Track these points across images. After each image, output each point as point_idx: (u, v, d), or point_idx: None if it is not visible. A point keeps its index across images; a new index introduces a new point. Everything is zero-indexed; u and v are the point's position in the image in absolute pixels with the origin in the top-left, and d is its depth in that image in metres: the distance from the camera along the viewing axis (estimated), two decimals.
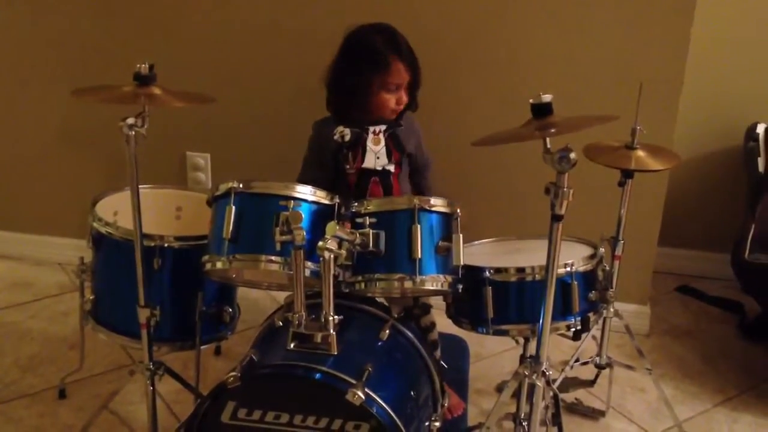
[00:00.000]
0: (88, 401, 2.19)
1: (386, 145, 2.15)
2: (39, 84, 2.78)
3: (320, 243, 1.58)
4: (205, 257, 1.76)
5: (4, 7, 2.70)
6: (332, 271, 1.58)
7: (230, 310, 2.05)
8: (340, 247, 1.61)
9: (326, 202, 1.73)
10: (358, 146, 2.14)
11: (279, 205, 1.68)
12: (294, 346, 1.62)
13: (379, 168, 2.15)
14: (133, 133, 1.72)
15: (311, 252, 1.64)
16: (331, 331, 1.60)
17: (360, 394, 1.48)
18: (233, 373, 1.54)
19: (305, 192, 1.71)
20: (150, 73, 1.75)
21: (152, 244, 1.88)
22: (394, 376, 1.71)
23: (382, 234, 1.69)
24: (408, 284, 1.70)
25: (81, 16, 2.66)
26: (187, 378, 2.03)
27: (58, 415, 2.16)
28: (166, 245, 1.91)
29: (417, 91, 2.17)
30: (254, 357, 1.63)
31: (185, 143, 2.75)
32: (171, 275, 1.93)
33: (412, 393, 1.71)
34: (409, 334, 1.81)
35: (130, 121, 1.72)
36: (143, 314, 1.83)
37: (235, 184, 1.73)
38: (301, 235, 1.61)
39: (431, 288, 1.72)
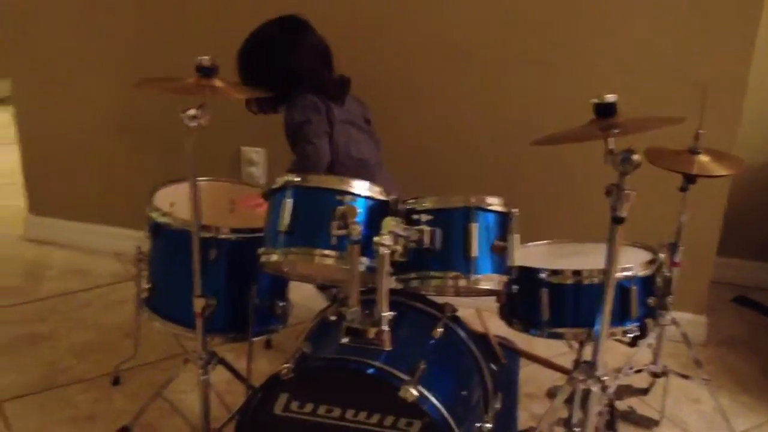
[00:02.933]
0: (141, 388, 2.22)
1: None
2: (99, 75, 2.83)
3: (376, 238, 1.57)
4: (261, 249, 1.77)
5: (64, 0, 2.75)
6: (387, 267, 1.58)
7: (282, 303, 2.06)
8: (395, 243, 1.61)
9: (381, 197, 1.73)
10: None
11: (335, 199, 1.69)
12: (347, 341, 1.62)
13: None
14: (194, 124, 1.74)
15: (366, 247, 1.64)
16: (385, 327, 1.60)
17: (413, 390, 1.47)
18: (287, 365, 1.55)
19: (361, 187, 1.71)
20: (212, 65, 1.77)
21: (208, 235, 1.90)
22: (447, 375, 1.70)
23: (438, 231, 1.68)
24: (462, 283, 1.68)
25: (142, 8, 2.70)
26: (238, 369, 2.04)
27: (112, 401, 2.20)
28: (221, 237, 1.93)
29: (266, 80, 2.15)
30: (307, 350, 1.63)
31: (240, 138, 2.77)
32: (226, 267, 1.95)
33: (464, 392, 1.70)
34: (462, 332, 1.80)
35: (192, 112, 1.74)
36: (198, 304, 1.85)
37: (292, 178, 1.74)
38: (357, 229, 1.61)
39: (486, 287, 1.71)
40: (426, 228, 1.68)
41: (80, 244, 3.03)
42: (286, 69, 2.21)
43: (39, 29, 2.82)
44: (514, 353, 2.45)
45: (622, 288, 1.76)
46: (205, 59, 1.76)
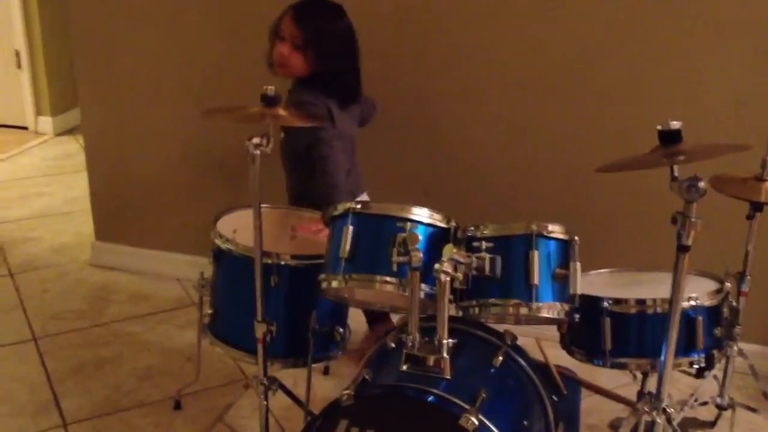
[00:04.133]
0: (202, 413, 2.25)
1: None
2: (166, 103, 2.90)
3: (437, 265, 1.57)
4: (322, 276, 1.78)
5: (136, 30, 2.84)
6: (448, 294, 1.57)
7: (342, 329, 2.07)
8: (456, 270, 1.60)
9: (442, 224, 1.73)
10: None
11: (396, 226, 1.70)
12: (407, 368, 1.61)
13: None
14: (258, 152, 1.78)
15: (426, 274, 1.64)
16: (445, 354, 1.59)
17: (474, 419, 1.46)
18: (347, 391, 1.55)
19: (422, 214, 1.71)
20: (275, 94, 1.81)
21: (270, 261, 1.92)
22: (508, 404, 1.68)
23: (499, 258, 1.67)
24: (523, 311, 1.67)
25: (208, 39, 2.78)
26: (296, 395, 2.06)
27: (173, 425, 2.23)
28: (282, 263, 1.95)
29: (323, 62, 2.19)
30: (367, 376, 1.63)
31: None
32: (286, 293, 1.97)
33: (525, 423, 1.68)
34: (522, 362, 1.77)
35: (256, 140, 1.78)
36: (260, 329, 1.87)
37: (353, 205, 1.76)
38: (418, 256, 1.61)
39: (547, 316, 1.69)
40: (486, 255, 1.67)
41: (144, 270, 3.10)
42: (351, 69, 2.27)
43: (111, 61, 2.91)
44: (575, 384, 2.41)
45: (688, 318, 1.73)
46: (270, 89, 1.80)
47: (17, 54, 4.61)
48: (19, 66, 4.64)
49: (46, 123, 4.74)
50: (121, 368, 2.51)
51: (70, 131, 4.75)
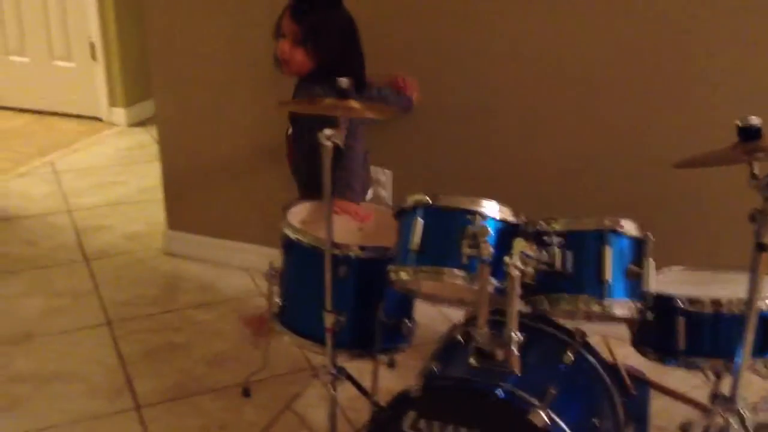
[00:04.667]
0: (270, 400, 2.29)
1: None
2: (237, 94, 2.94)
3: (507, 259, 1.57)
4: (391, 267, 1.79)
5: (209, 20, 2.89)
6: (518, 289, 1.57)
7: (409, 322, 2.08)
8: (526, 264, 1.60)
9: (512, 218, 1.73)
10: None
11: (466, 219, 1.70)
12: (475, 362, 1.61)
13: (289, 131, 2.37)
14: (330, 144, 1.80)
15: (495, 268, 1.63)
16: (515, 349, 1.59)
17: (544, 416, 1.45)
18: (416, 383, 1.56)
19: (492, 207, 1.71)
20: (349, 87, 1.83)
21: (338, 252, 1.94)
22: (578, 402, 1.67)
23: (570, 254, 1.66)
24: (595, 307, 1.65)
25: None
26: (362, 385, 2.07)
27: (242, 411, 2.28)
28: (351, 254, 1.97)
29: (326, 54, 2.21)
30: (435, 369, 1.64)
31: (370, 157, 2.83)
32: (354, 284, 1.99)
33: (594, 421, 1.66)
34: (592, 360, 1.76)
35: (328, 132, 1.80)
36: (329, 319, 1.90)
37: (423, 198, 1.76)
38: (488, 249, 1.61)
39: (619, 313, 1.66)
40: (557, 250, 1.66)
41: (214, 259, 3.15)
42: (354, 59, 2.27)
43: (184, 51, 2.97)
44: (644, 384, 2.37)
45: (764, 319, 1.67)
46: (343, 81, 1.82)
47: (92, 46, 4.74)
48: (93, 58, 4.77)
49: (120, 114, 4.87)
50: (191, 354, 2.57)
51: (142, 122, 4.87)
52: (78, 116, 4.91)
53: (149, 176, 3.79)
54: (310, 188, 2.36)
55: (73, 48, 4.81)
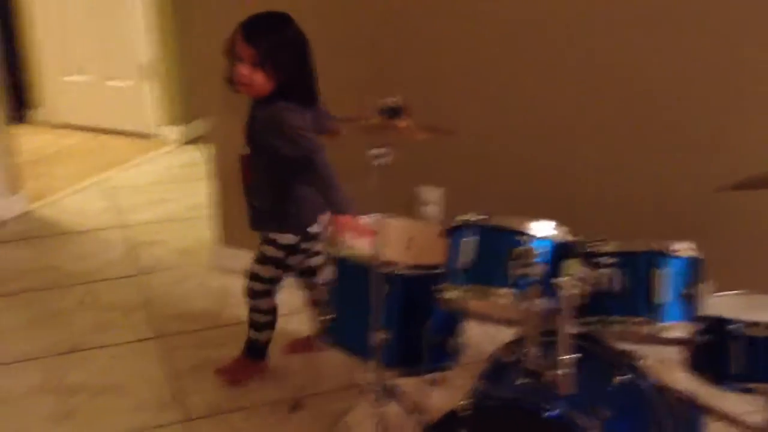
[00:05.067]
0: (318, 416, 2.30)
1: (246, 123, 2.27)
2: None
3: (558, 280, 1.56)
4: (439, 286, 1.79)
5: None
6: (569, 309, 1.55)
7: (456, 341, 2.07)
8: (577, 285, 1.58)
9: (562, 238, 1.71)
10: None
11: (515, 239, 1.69)
12: (524, 382, 1.60)
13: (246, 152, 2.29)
14: (379, 163, 1.81)
15: (545, 288, 1.62)
16: (565, 370, 1.57)
17: None
18: (465, 402, 1.55)
19: (543, 228, 1.70)
20: (398, 106, 1.84)
21: (386, 270, 1.95)
22: (629, 425, 1.64)
23: (622, 275, 1.64)
24: (647, 329, 1.63)
25: (339, 48, 2.83)
26: (409, 403, 2.07)
27: (291, 426, 2.29)
28: (399, 272, 1.98)
29: (283, 75, 2.16)
30: (485, 388, 1.63)
31: (417, 177, 2.83)
32: (402, 302, 2.00)
33: None
34: (645, 381, 1.73)
35: (375, 151, 1.81)
36: (377, 336, 1.90)
37: (473, 217, 1.76)
38: (537, 270, 1.60)
39: (672, 336, 1.64)
40: (609, 271, 1.64)
41: None
42: (309, 74, 2.24)
43: None
44: (697, 408, 2.32)
45: None
46: (392, 100, 1.83)
47: (145, 66, 4.85)
48: (145, 77, 4.88)
49: (171, 132, 4.96)
50: None
51: (193, 141, 4.95)
52: (131, 134, 5.02)
53: (199, 194, 3.84)
54: (261, 212, 2.36)
55: (127, 68, 4.93)
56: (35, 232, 3.70)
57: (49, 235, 3.68)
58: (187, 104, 4.92)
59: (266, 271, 2.40)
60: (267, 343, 2.51)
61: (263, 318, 2.46)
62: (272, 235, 2.35)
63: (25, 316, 2.92)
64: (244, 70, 2.16)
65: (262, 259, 2.39)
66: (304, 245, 2.35)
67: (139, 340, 2.77)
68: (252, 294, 2.44)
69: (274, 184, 2.30)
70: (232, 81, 2.22)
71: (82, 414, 2.35)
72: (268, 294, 2.44)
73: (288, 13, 2.21)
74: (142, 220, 3.82)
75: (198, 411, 2.37)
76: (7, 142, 3.82)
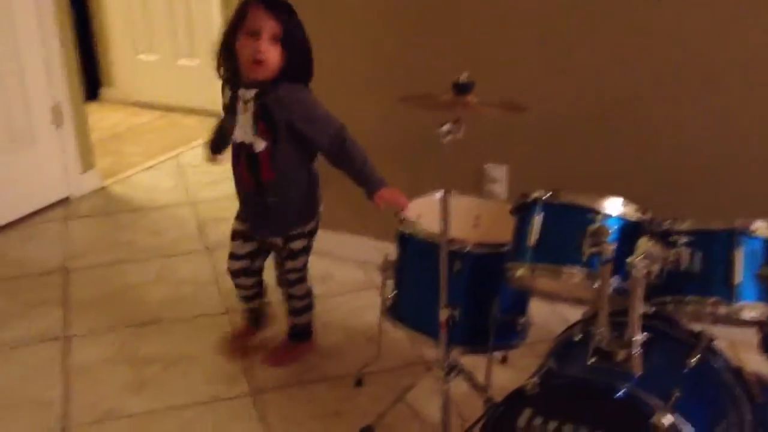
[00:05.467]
0: (383, 391, 2.31)
1: (254, 114, 2.08)
2: (355, 90, 2.98)
3: (631, 259, 1.53)
4: (508, 264, 1.78)
5: (327, 21, 2.94)
6: (642, 289, 1.53)
7: (523, 319, 2.06)
8: (650, 264, 1.55)
9: (635, 217, 1.68)
10: (235, 114, 2.11)
11: (586, 217, 1.67)
12: (594, 361, 1.58)
13: (248, 142, 2.11)
14: (448, 139, 1.80)
15: (617, 267, 1.60)
16: (636, 350, 1.55)
17: (667, 418, 1.41)
18: (533, 380, 1.55)
19: (614, 205, 1.67)
20: (468, 82, 1.82)
21: (453, 248, 1.95)
22: (703, 406, 1.60)
23: (698, 254, 1.60)
24: (722, 309, 1.59)
25: (399, 27, 2.83)
26: (476, 381, 2.07)
27: (355, 400, 2.32)
28: (467, 250, 1.97)
29: (298, 54, 2.09)
30: (553, 367, 1.62)
31: (484, 154, 2.81)
32: (469, 280, 1.99)
33: (719, 428, 1.59)
34: (719, 363, 1.69)
35: (446, 127, 1.80)
36: (444, 314, 1.90)
37: (543, 194, 1.74)
38: (610, 249, 1.58)
39: (748, 317, 1.59)
40: (684, 250, 1.60)
41: (329, 252, 3.20)
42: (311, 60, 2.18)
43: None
44: None
45: None
46: (463, 76, 1.82)
47: (213, 44, 4.91)
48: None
49: None
50: None
51: None
52: (201, 112, 5.10)
53: None
54: (280, 212, 2.28)
55: (196, 46, 5.00)
56: (109, 208, 3.81)
57: (123, 211, 3.79)
58: None
59: (299, 263, 2.42)
60: (309, 324, 2.55)
61: (300, 303, 2.49)
62: (297, 230, 2.36)
63: (101, 290, 3.02)
64: (262, 46, 2.04)
65: (293, 255, 2.40)
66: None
67: (211, 315, 2.83)
68: (287, 283, 2.46)
69: (303, 177, 2.27)
70: (221, 57, 2.16)
71: (156, 384, 2.42)
72: (302, 280, 2.46)
73: None
74: (211, 198, 3.90)
75: (266, 384, 2.41)
76: (81, 120, 3.93)
